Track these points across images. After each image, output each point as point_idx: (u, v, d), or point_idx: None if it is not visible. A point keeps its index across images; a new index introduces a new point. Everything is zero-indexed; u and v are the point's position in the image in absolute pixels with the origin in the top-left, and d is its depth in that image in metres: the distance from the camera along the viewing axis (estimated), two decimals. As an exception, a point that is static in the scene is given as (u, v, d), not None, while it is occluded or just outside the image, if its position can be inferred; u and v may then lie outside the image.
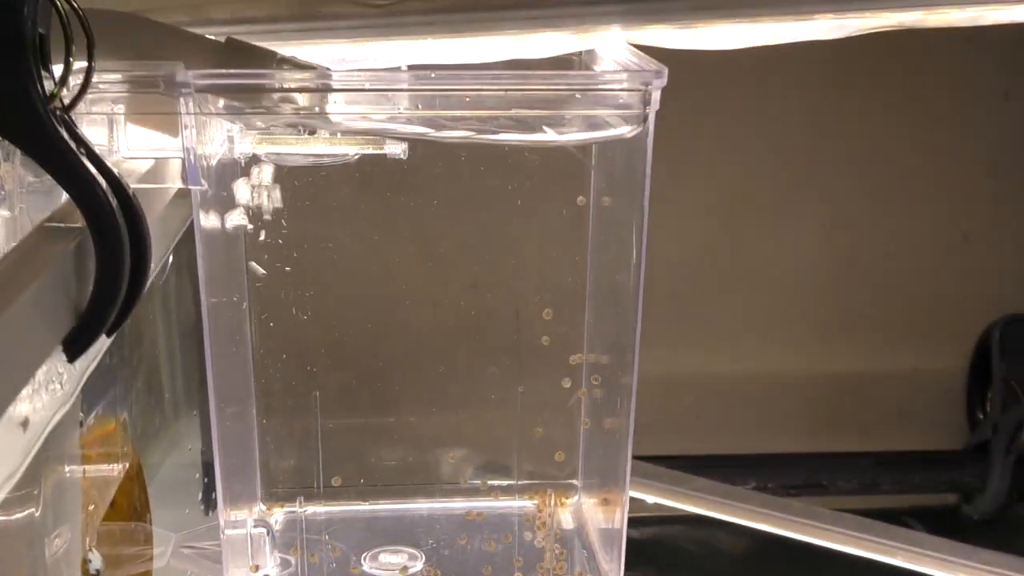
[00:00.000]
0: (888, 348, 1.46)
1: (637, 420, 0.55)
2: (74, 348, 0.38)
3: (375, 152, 0.52)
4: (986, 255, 1.45)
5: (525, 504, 0.60)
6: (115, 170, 0.40)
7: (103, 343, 0.44)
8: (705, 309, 1.43)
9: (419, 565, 0.57)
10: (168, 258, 0.62)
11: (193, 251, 0.68)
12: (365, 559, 0.57)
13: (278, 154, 0.52)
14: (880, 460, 1.39)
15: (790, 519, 0.92)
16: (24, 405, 0.35)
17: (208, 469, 0.78)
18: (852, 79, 1.39)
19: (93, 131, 0.46)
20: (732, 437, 1.44)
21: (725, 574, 1.30)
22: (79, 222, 0.40)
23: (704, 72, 1.31)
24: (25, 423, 0.35)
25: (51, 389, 0.37)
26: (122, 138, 0.46)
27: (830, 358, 1.46)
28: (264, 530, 0.56)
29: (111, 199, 0.39)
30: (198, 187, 0.46)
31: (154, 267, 0.56)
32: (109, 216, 0.38)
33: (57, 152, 0.37)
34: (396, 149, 0.52)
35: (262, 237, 0.53)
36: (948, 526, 1.00)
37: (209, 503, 0.77)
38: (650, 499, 0.99)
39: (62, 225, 0.40)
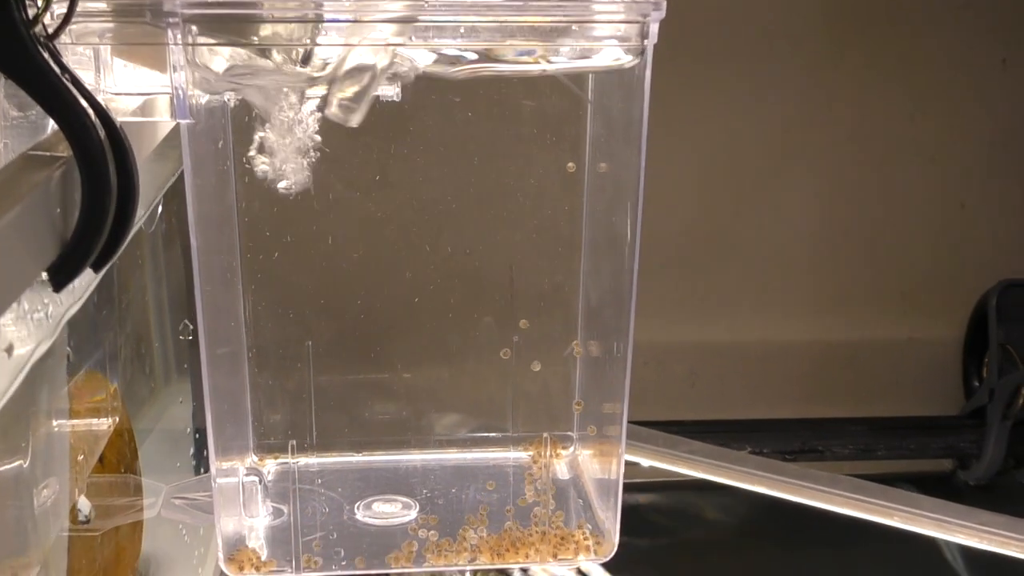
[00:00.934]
0: (884, 317, 1.46)
1: (631, 388, 0.55)
2: (60, 277, 0.37)
3: (367, 94, 0.51)
4: (983, 224, 1.44)
5: (520, 455, 0.59)
6: (102, 101, 0.39)
7: (90, 279, 0.43)
8: (701, 277, 1.43)
9: (413, 514, 0.57)
10: (158, 208, 0.61)
11: (182, 204, 0.67)
12: (359, 508, 0.57)
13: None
14: (876, 425, 1.39)
15: (787, 482, 0.92)
16: (9, 331, 0.34)
17: (200, 433, 0.78)
18: (849, 47, 1.38)
19: (80, 73, 0.45)
20: (727, 406, 1.44)
21: (718, 540, 1.30)
22: (64, 152, 0.39)
23: (700, 40, 1.31)
24: (10, 349, 0.34)
25: (36, 319, 0.37)
26: (109, 75, 0.45)
27: (826, 326, 1.45)
28: (256, 479, 0.55)
29: (98, 128, 0.38)
30: (186, 120, 0.45)
31: (143, 213, 0.55)
32: (95, 143, 0.37)
33: (41, 75, 0.36)
34: (389, 91, 0.51)
35: (252, 179, 0.52)
36: (943, 492, 0.99)
37: (199, 470, 0.77)
38: (645, 463, 0.98)
39: (47, 154, 0.39)
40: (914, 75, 1.40)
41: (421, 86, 0.53)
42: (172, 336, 0.78)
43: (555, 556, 0.55)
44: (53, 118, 0.37)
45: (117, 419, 0.61)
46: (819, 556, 1.23)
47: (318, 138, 0.53)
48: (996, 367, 1.37)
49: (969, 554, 1.17)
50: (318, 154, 0.53)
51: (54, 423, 0.49)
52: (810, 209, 1.43)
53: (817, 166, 1.42)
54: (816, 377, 1.46)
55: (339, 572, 0.54)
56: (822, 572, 1.22)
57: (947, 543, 1.15)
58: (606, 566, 0.88)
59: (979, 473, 1.37)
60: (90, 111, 0.38)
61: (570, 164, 0.56)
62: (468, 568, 0.56)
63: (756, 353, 1.45)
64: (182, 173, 0.59)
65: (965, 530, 0.87)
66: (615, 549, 0.56)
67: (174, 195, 0.64)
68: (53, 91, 0.36)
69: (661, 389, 1.40)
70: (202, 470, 0.73)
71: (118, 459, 0.61)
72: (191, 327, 0.76)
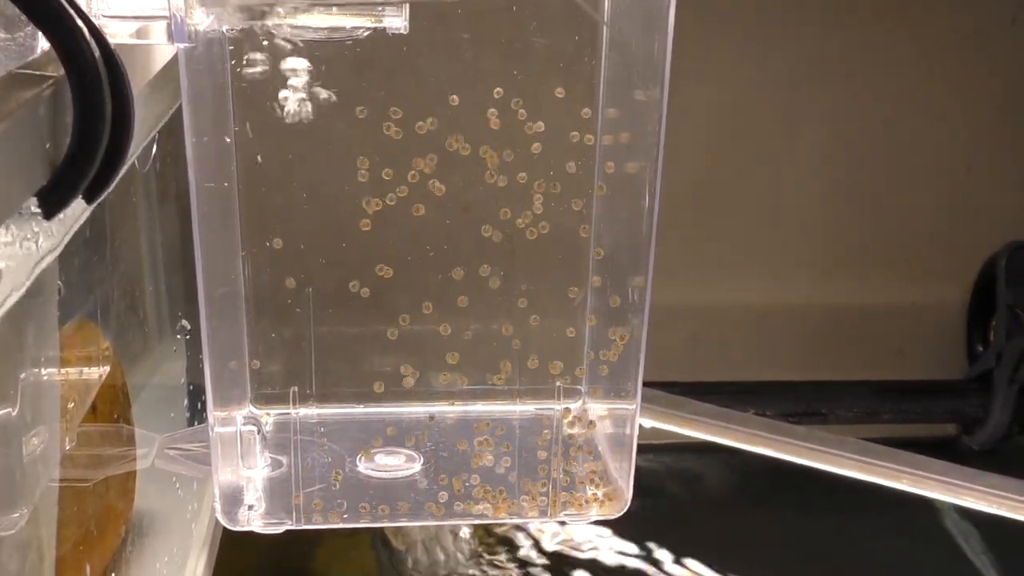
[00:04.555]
0: (887, 280, 1.45)
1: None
2: (50, 203, 0.35)
3: (374, 26, 0.49)
4: (990, 187, 1.43)
5: (527, 408, 0.57)
6: (95, 20, 0.37)
7: (83, 210, 0.41)
8: (702, 238, 1.41)
9: (417, 467, 0.55)
10: (153, 147, 0.59)
11: (177, 145, 0.65)
12: (361, 460, 0.55)
13: (271, 27, 0.48)
14: (880, 389, 1.38)
15: (794, 444, 0.90)
16: (-4, 255, 0.32)
17: (194, 386, 0.76)
18: (857, 6, 1.36)
19: None
20: (728, 369, 1.42)
21: (717, 504, 1.29)
22: (54, 73, 0.37)
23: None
24: (-2, 273, 0.32)
25: (26, 247, 0.34)
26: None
27: (829, 289, 1.44)
28: (254, 428, 0.53)
29: (93, 47, 0.36)
30: (184, 44, 0.43)
31: (137, 148, 0.52)
32: (89, 61, 0.35)
33: (30, -15, 0.34)
34: (396, 22, 0.49)
35: (252, 112, 0.50)
36: (947, 457, 0.98)
37: (193, 423, 0.75)
38: (647, 423, 0.96)
39: (35, 72, 0.36)
40: (922, 34, 1.38)
41: (429, 20, 0.50)
42: (166, 287, 0.76)
43: (566, 511, 0.54)
44: (42, 31, 0.35)
45: (109, 368, 0.59)
46: (819, 521, 1.22)
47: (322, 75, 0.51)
48: (1004, 330, 1.36)
49: (972, 520, 1.16)
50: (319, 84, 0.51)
51: (44, 367, 0.47)
52: (814, 170, 1.41)
53: (822, 127, 1.40)
54: (819, 340, 1.45)
55: (340, 524, 0.52)
56: (822, 537, 1.21)
57: (947, 510, 1.14)
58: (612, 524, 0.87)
59: (984, 438, 1.35)
60: (83, 28, 0.36)
61: (584, 110, 0.53)
62: (472, 522, 0.54)
63: (758, 316, 1.44)
64: (177, 110, 0.57)
65: (975, 493, 0.86)
66: (627, 505, 0.54)
67: (169, 135, 0.62)
68: (43, 2, 0.34)
69: (661, 352, 1.38)
70: (196, 423, 0.71)
71: (110, 408, 0.59)
72: (188, 327, 0.74)
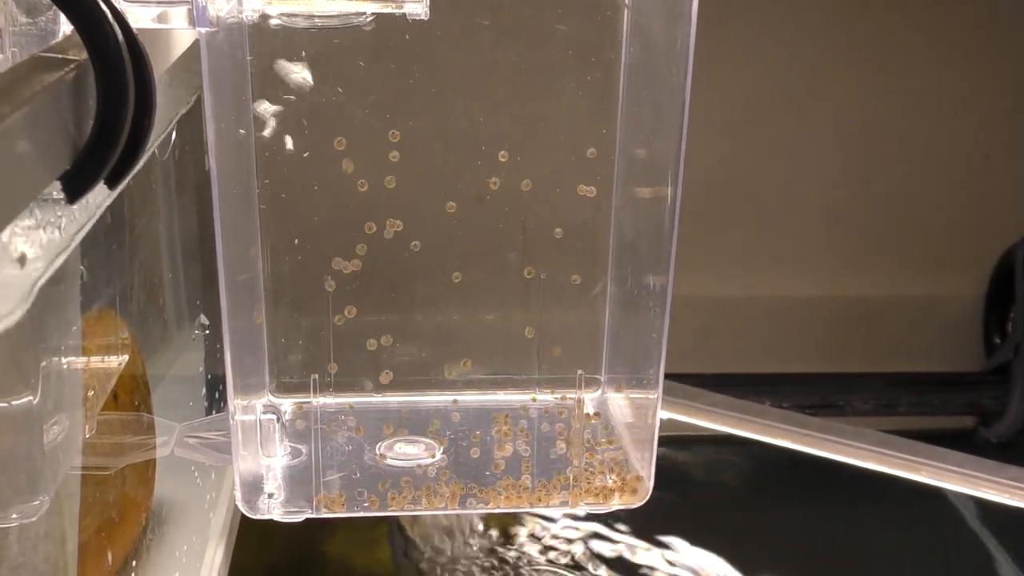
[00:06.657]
0: (904, 272, 1.44)
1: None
2: (73, 187, 0.35)
3: (395, 11, 0.49)
4: (1007, 177, 1.42)
5: (547, 397, 0.57)
6: (117, 4, 0.37)
7: (105, 197, 0.41)
8: (715, 230, 1.40)
9: (436, 456, 0.55)
10: (172, 135, 0.59)
11: (196, 133, 0.65)
12: (380, 449, 0.55)
13: (290, 14, 0.48)
14: (897, 380, 1.37)
15: (812, 435, 0.90)
16: (20, 240, 0.32)
17: (212, 375, 0.76)
18: (873, -5, 1.36)
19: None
20: (742, 362, 1.42)
21: (730, 496, 1.28)
22: (77, 57, 0.37)
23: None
24: (22, 259, 0.32)
25: (49, 232, 0.34)
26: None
27: (843, 281, 1.43)
28: (273, 417, 0.53)
29: (116, 32, 0.36)
30: (206, 29, 0.43)
31: (157, 136, 0.52)
32: (113, 44, 0.35)
33: (54, -32, 0.34)
34: (417, 8, 0.49)
35: (270, 107, 0.50)
36: (965, 450, 0.98)
37: (211, 412, 0.75)
38: (664, 415, 0.96)
39: (59, 56, 0.36)
40: (938, 23, 1.37)
41: (449, 7, 0.50)
42: (184, 276, 0.76)
43: (586, 501, 0.53)
44: (67, 16, 0.35)
45: (129, 357, 0.59)
46: (836, 513, 1.22)
47: (340, 62, 0.51)
48: (1022, 322, 1.35)
49: (990, 513, 1.16)
50: (339, 79, 0.51)
51: (66, 355, 0.47)
52: (829, 161, 1.41)
53: (837, 117, 1.39)
54: (833, 333, 1.44)
55: (360, 512, 0.52)
56: (838, 529, 1.21)
57: (965, 502, 1.13)
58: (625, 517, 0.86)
59: (1002, 430, 1.35)
60: (107, 13, 0.35)
61: (605, 98, 0.53)
62: (491, 511, 0.54)
63: (772, 308, 1.43)
64: (197, 99, 0.57)
65: (994, 485, 0.85)
66: (649, 494, 0.54)
67: (188, 124, 0.61)
68: (67, -14, 0.34)
69: (674, 344, 1.37)
70: (213, 412, 0.71)
71: (131, 397, 0.59)
72: (206, 323, 0.74)
